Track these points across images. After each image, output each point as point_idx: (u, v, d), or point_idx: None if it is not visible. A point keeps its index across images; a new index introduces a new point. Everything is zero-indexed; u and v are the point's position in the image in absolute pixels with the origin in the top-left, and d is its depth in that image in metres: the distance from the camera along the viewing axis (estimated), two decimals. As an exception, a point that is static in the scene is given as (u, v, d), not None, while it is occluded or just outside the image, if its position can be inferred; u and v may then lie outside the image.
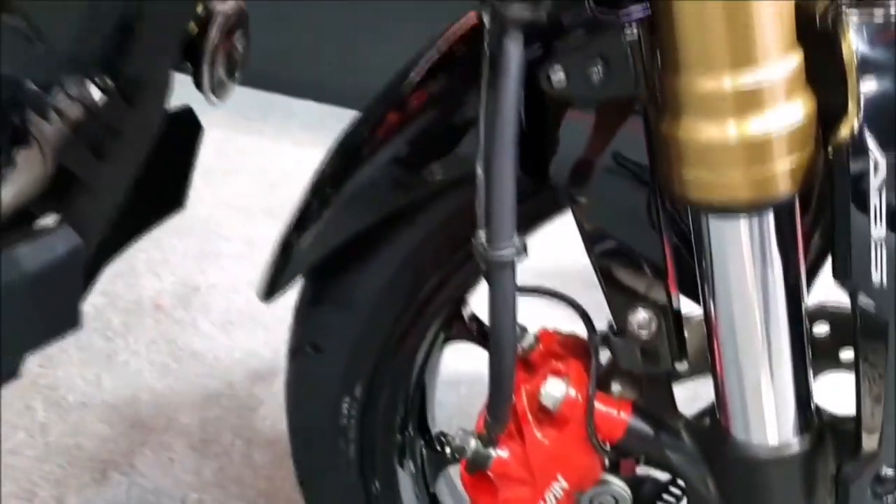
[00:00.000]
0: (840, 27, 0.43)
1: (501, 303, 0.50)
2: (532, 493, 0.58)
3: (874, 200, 0.42)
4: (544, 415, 0.58)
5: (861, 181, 0.42)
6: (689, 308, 0.55)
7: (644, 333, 0.53)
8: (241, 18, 0.71)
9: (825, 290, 0.53)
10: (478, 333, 0.69)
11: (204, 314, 1.32)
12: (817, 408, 0.56)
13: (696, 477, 0.58)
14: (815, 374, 0.55)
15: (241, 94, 0.76)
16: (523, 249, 0.49)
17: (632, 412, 0.58)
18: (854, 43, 0.43)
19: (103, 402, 1.16)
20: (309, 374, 0.68)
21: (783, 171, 0.44)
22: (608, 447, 0.58)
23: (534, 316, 0.60)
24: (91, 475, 1.07)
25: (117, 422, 1.13)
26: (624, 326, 0.53)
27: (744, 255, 0.47)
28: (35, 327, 0.62)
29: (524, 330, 0.59)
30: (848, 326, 0.54)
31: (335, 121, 1.74)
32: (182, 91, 0.67)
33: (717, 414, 0.55)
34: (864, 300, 0.45)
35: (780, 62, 0.42)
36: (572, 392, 0.57)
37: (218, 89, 0.75)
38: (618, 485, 0.61)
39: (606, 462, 0.60)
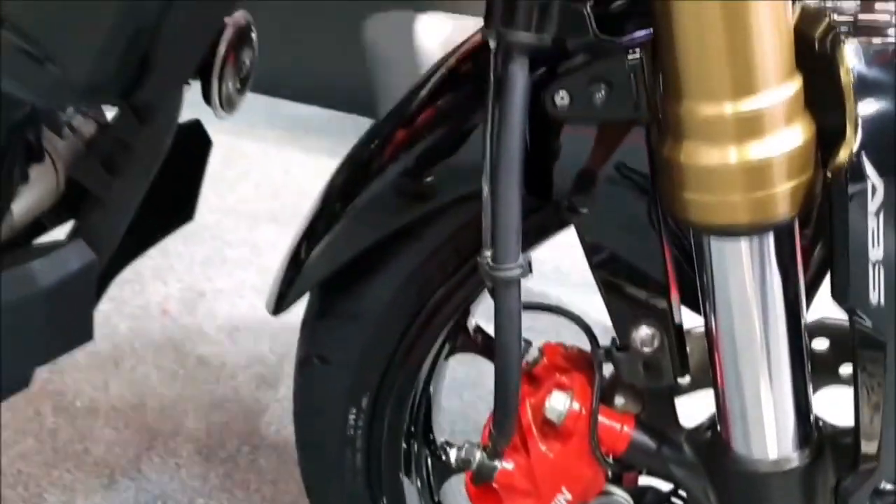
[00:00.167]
0: (838, 53, 0.44)
1: (507, 319, 0.51)
2: (536, 504, 0.59)
3: (872, 223, 0.43)
4: (549, 428, 0.59)
5: (859, 204, 0.43)
6: (690, 319, 0.56)
7: (647, 349, 0.54)
8: (249, 32, 0.72)
9: (825, 306, 0.55)
10: (482, 345, 0.70)
11: (210, 320, 1.33)
12: (817, 421, 0.57)
13: (698, 489, 0.59)
14: (814, 389, 0.56)
15: (246, 100, 0.77)
16: (528, 268, 0.50)
17: (635, 426, 0.59)
18: (851, 69, 0.44)
19: (111, 408, 1.17)
20: (316, 385, 0.69)
21: (783, 194, 0.45)
22: (611, 460, 0.59)
23: (540, 322, 0.61)
24: (99, 480, 1.08)
25: (124, 427, 1.14)
26: (627, 342, 0.54)
27: (744, 274, 0.48)
28: (49, 340, 0.64)
29: (528, 344, 0.61)
30: (847, 342, 0.55)
31: (340, 126, 1.76)
32: (187, 97, 0.68)
33: (718, 427, 0.56)
34: (863, 320, 0.46)
35: (780, 89, 0.43)
36: (576, 406, 0.58)
37: (226, 103, 0.77)
38: (620, 495, 0.62)
39: (609, 474, 0.61)
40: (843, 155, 0.43)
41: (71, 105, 0.51)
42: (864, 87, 0.44)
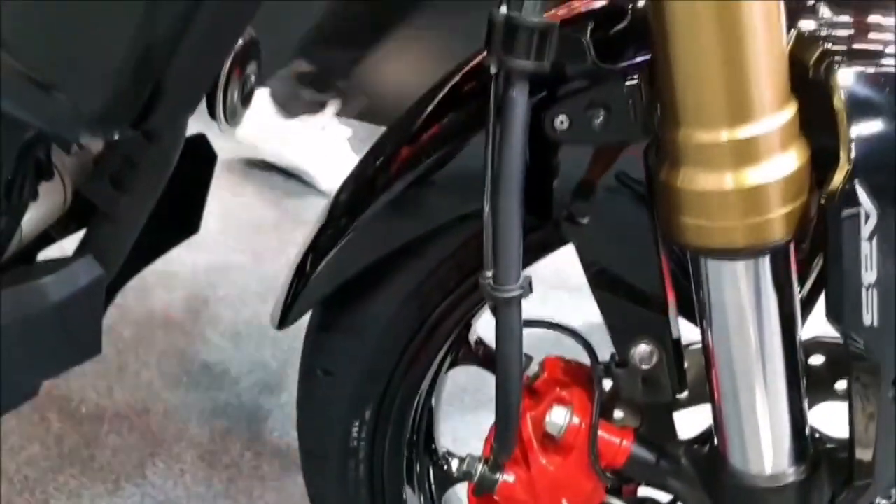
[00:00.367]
0: (831, 79, 0.45)
1: (508, 337, 0.52)
2: (537, 516, 0.60)
3: (865, 248, 0.44)
4: (549, 441, 0.60)
5: (852, 229, 0.44)
6: (687, 330, 0.57)
7: (645, 365, 0.55)
8: (253, 48, 0.73)
9: (821, 323, 0.56)
10: (483, 357, 0.71)
11: (213, 326, 1.34)
12: (813, 434, 0.58)
13: (697, 501, 0.60)
14: (810, 405, 0.57)
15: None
16: (528, 288, 0.51)
17: (634, 440, 0.60)
18: (845, 95, 0.45)
19: (115, 414, 1.18)
20: (320, 397, 0.70)
21: (778, 218, 0.45)
22: (611, 473, 0.60)
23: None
24: (104, 486, 1.09)
25: (129, 433, 1.16)
26: (626, 358, 0.55)
27: (741, 294, 0.49)
28: (58, 353, 0.65)
29: (529, 359, 0.62)
30: (842, 358, 0.56)
31: (355, 134, 1.77)
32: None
33: (715, 441, 0.57)
34: (856, 341, 0.47)
35: (775, 116, 0.44)
36: (576, 420, 0.59)
37: (230, 116, 0.78)
38: (620, 507, 0.63)
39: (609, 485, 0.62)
40: (836, 180, 0.44)
41: (80, 134, 0.52)
42: (858, 113, 0.45)
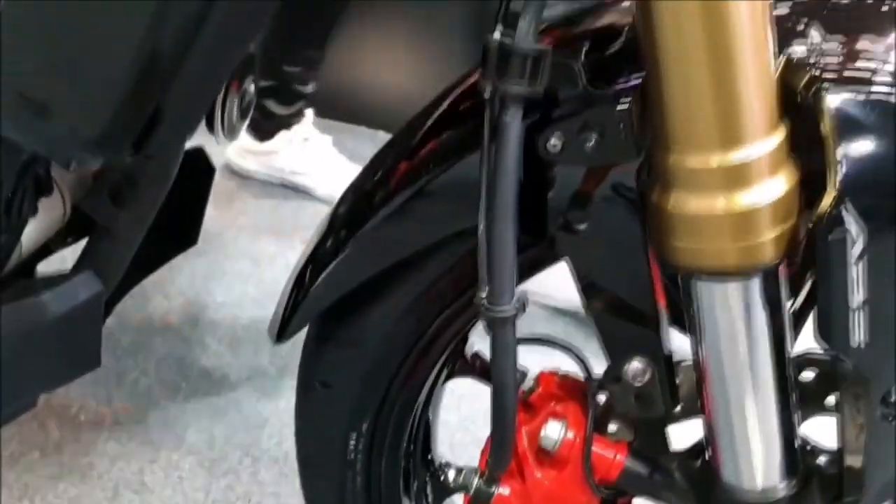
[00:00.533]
0: (820, 104, 0.46)
1: (503, 354, 0.53)
2: (532, 528, 0.61)
3: (853, 270, 0.45)
4: (544, 455, 0.61)
5: (840, 251, 0.45)
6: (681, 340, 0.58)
7: (639, 381, 0.56)
8: (251, 63, 0.74)
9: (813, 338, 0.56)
10: (480, 369, 0.71)
11: (211, 333, 1.35)
12: (805, 446, 0.59)
13: (690, 514, 0.61)
14: (802, 419, 0.58)
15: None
16: (523, 307, 0.52)
17: (627, 454, 0.61)
18: (833, 120, 0.45)
19: (114, 421, 1.19)
20: (318, 409, 0.71)
21: (768, 241, 0.46)
22: (605, 486, 0.61)
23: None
24: (104, 493, 1.10)
25: (128, 440, 1.16)
26: (619, 375, 0.56)
27: (731, 314, 0.50)
28: (58, 367, 0.65)
29: (525, 374, 0.62)
30: (833, 373, 0.57)
31: (340, 137, 1.77)
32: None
33: (707, 456, 0.58)
34: (845, 360, 0.48)
35: (765, 141, 0.45)
36: (570, 435, 0.60)
37: (228, 130, 0.78)
38: (614, 519, 0.64)
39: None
40: (824, 204, 0.45)
41: (79, 158, 0.52)
42: (845, 138, 0.45)
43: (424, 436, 0.74)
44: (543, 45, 0.47)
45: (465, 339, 0.70)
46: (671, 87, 0.45)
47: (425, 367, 0.68)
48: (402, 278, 0.65)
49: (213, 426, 1.19)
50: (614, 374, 0.56)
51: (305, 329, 0.68)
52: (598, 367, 0.61)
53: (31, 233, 0.69)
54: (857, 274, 0.45)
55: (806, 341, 0.55)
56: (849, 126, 0.45)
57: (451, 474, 0.69)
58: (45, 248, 0.77)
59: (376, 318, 0.66)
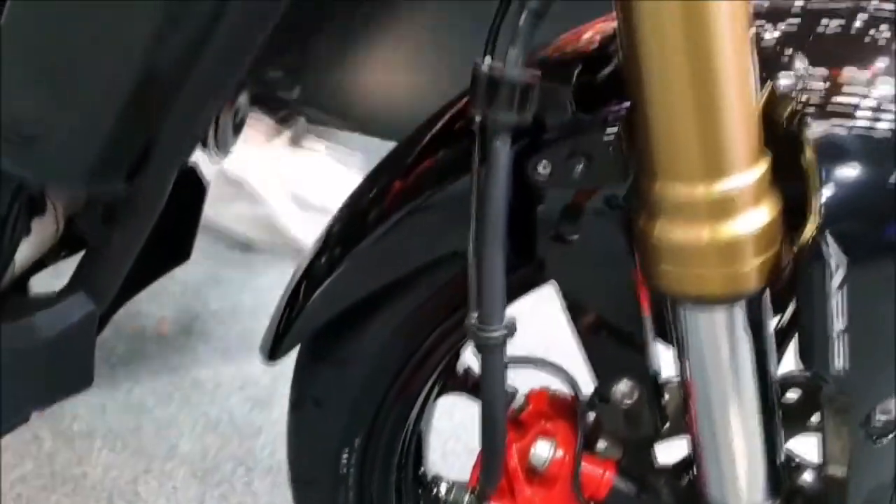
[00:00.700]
0: (803, 134, 0.47)
1: (492, 376, 0.54)
2: (522, 545, 0.62)
3: (834, 298, 0.46)
4: (534, 473, 0.62)
5: (821, 279, 0.46)
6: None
7: (626, 402, 0.57)
8: (244, 79, 0.74)
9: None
10: (472, 386, 0.72)
11: (204, 341, 1.35)
12: (790, 464, 0.60)
13: (677, 531, 0.62)
14: (786, 438, 0.59)
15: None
16: (512, 330, 0.52)
17: (615, 471, 0.62)
18: (815, 150, 0.46)
19: (108, 431, 1.19)
20: (310, 426, 0.71)
21: (752, 269, 0.47)
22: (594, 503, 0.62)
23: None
24: (97, 504, 1.10)
25: (121, 450, 1.16)
26: (608, 395, 0.57)
27: (716, 338, 0.51)
28: (51, 387, 0.66)
29: (514, 392, 0.63)
30: (816, 393, 0.58)
31: (334, 144, 1.78)
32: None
33: (693, 473, 0.59)
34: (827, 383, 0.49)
35: (748, 172, 0.46)
36: (559, 454, 0.61)
37: (222, 147, 0.79)
38: (603, 535, 0.64)
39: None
40: (806, 233, 0.46)
41: (73, 188, 0.53)
42: (827, 168, 0.46)
43: (416, 450, 0.75)
44: (532, 74, 0.48)
45: (457, 355, 0.71)
46: (655, 119, 0.46)
47: (417, 383, 0.69)
48: (396, 296, 0.65)
49: (207, 436, 1.19)
50: (602, 394, 0.57)
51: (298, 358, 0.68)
52: (587, 381, 0.62)
53: (24, 250, 0.70)
54: (837, 301, 0.46)
55: (790, 363, 0.57)
56: (830, 157, 0.46)
57: (443, 489, 0.70)
58: (39, 262, 0.77)
59: (369, 336, 0.67)
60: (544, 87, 0.48)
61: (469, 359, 0.74)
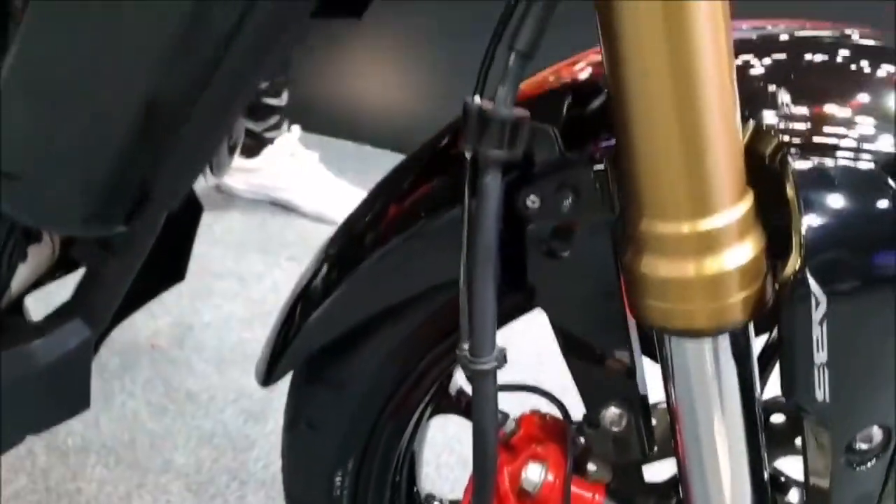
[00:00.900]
0: (786, 172, 0.48)
1: (483, 405, 0.54)
2: (514, 566, 0.63)
3: (816, 331, 0.47)
4: (525, 496, 0.63)
5: (803, 314, 0.47)
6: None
7: (615, 427, 0.58)
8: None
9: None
10: (465, 406, 0.73)
11: (198, 353, 1.35)
12: (776, 482, 0.61)
13: (665, 552, 0.63)
14: (772, 460, 0.60)
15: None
16: (503, 360, 0.53)
17: (605, 494, 0.63)
18: (797, 187, 0.47)
19: (102, 445, 1.19)
20: (304, 448, 0.72)
21: (737, 302, 0.48)
22: (583, 525, 0.63)
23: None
24: (91, 518, 1.11)
25: (115, 464, 1.17)
26: (597, 421, 0.58)
27: (702, 369, 0.52)
28: (48, 411, 0.66)
29: (506, 416, 0.64)
30: (801, 417, 0.59)
31: (326, 153, 1.78)
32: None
33: (681, 496, 0.60)
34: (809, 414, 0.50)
35: (733, 209, 0.47)
36: (550, 477, 0.62)
37: (216, 168, 0.79)
38: (593, 557, 0.65)
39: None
40: (789, 269, 0.47)
41: (70, 232, 0.53)
42: (809, 204, 0.47)
43: (409, 469, 0.76)
44: (521, 112, 0.49)
45: (449, 377, 0.72)
46: (640, 158, 0.47)
47: (411, 405, 0.70)
48: (390, 320, 0.66)
49: (200, 449, 1.20)
50: (591, 420, 0.58)
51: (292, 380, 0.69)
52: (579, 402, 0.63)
53: (21, 274, 0.70)
54: (819, 335, 0.47)
55: (776, 387, 0.58)
56: (813, 193, 0.47)
57: (435, 506, 0.71)
58: (34, 282, 0.78)
59: (363, 360, 0.67)
60: (533, 124, 0.49)
61: (462, 379, 0.75)
